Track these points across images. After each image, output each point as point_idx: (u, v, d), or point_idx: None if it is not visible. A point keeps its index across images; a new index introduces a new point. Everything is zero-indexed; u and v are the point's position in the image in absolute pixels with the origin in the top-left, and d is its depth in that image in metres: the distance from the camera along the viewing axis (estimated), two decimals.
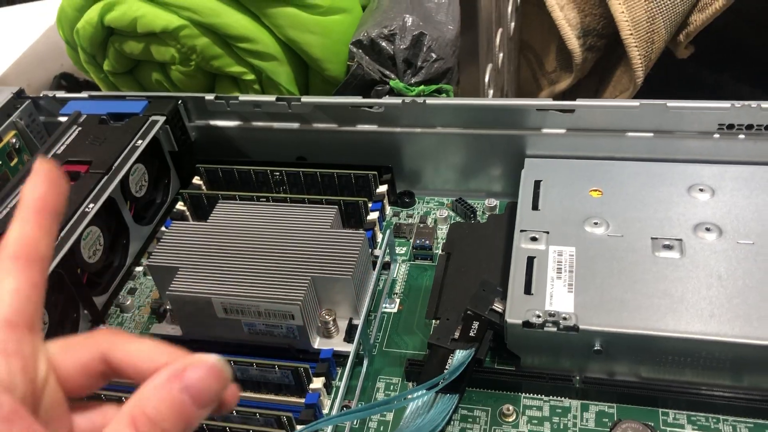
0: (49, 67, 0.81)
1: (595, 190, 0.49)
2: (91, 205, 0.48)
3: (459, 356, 0.41)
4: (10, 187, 0.50)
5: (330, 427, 0.40)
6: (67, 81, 0.82)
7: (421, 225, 0.55)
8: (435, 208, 0.56)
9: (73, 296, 0.48)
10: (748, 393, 0.40)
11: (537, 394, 0.43)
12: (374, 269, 0.49)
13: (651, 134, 0.51)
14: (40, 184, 0.26)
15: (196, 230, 0.49)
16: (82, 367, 0.26)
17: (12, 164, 0.57)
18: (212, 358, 0.24)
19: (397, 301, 0.50)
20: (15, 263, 0.25)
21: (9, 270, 0.25)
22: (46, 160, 0.26)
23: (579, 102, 0.50)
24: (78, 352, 0.26)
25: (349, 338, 0.45)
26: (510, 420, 0.42)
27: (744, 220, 0.46)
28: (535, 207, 0.49)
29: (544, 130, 0.52)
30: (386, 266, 0.51)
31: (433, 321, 0.48)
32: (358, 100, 0.54)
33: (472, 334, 0.43)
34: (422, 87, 0.60)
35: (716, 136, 0.49)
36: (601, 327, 0.41)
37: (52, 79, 0.81)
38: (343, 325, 0.46)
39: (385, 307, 0.49)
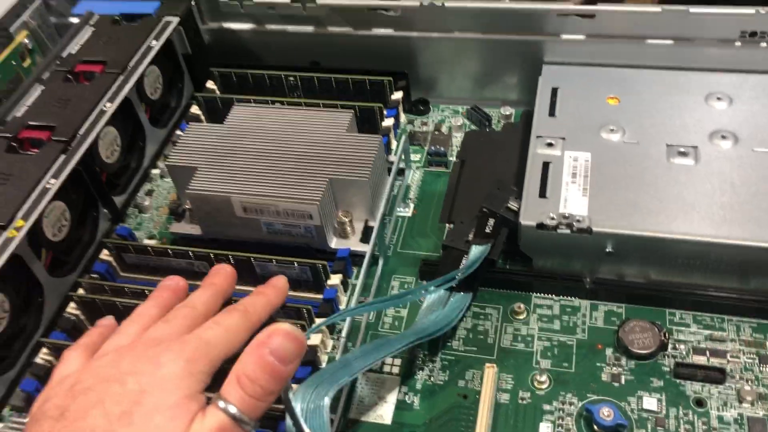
0: None
1: (613, 98, 0.49)
2: (108, 104, 0.48)
3: (475, 251, 0.42)
4: (26, 87, 0.50)
5: (347, 321, 0.41)
6: None
7: (436, 132, 0.55)
8: (450, 115, 0.56)
9: (92, 195, 0.49)
10: (754, 295, 0.41)
11: (548, 294, 0.44)
12: (389, 175, 0.49)
13: (671, 41, 0.50)
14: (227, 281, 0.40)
15: (213, 132, 0.49)
16: None
17: (25, 65, 0.57)
18: (286, 325, 0.32)
19: (412, 205, 0.51)
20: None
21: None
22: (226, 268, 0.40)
23: (600, 7, 0.50)
24: None
25: (364, 239, 0.46)
26: (521, 318, 0.43)
27: (760, 129, 0.46)
28: (551, 113, 0.49)
29: (564, 36, 0.52)
30: (401, 172, 0.52)
31: (447, 225, 0.48)
32: (374, 2, 0.53)
33: (487, 230, 0.44)
34: None
35: (738, 43, 0.49)
36: (614, 229, 0.41)
37: None
38: (359, 226, 0.47)
39: (400, 211, 0.50)
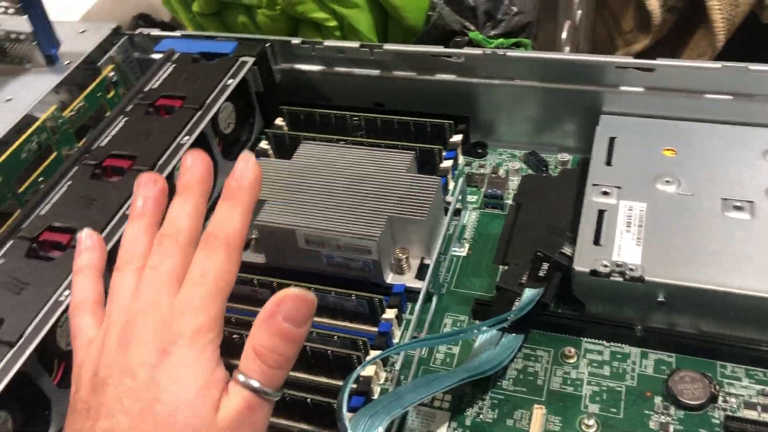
0: (128, 7, 0.84)
1: (669, 150, 0.50)
2: (186, 138, 0.51)
3: (528, 294, 0.44)
4: (111, 118, 0.54)
5: (401, 355, 0.43)
6: (144, 21, 0.86)
7: (493, 175, 0.56)
8: (507, 159, 0.58)
9: None
10: None
11: (598, 340, 0.45)
12: (446, 214, 0.51)
13: (730, 97, 0.51)
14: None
15: (282, 167, 0.52)
16: None
17: (109, 96, 0.61)
18: (294, 289, 0.32)
19: (467, 245, 0.52)
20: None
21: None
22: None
23: (659, 61, 0.51)
24: None
25: (420, 276, 0.48)
26: (571, 361, 0.44)
27: None
28: (608, 162, 0.50)
29: (622, 88, 0.53)
30: (457, 212, 0.54)
31: (501, 266, 0.50)
32: (439, 49, 0.56)
33: (541, 274, 0.45)
34: (501, 40, 0.62)
35: None
36: (666, 279, 0.42)
37: (131, 18, 0.85)
38: (414, 263, 0.49)
39: (455, 250, 0.52)
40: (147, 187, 0.37)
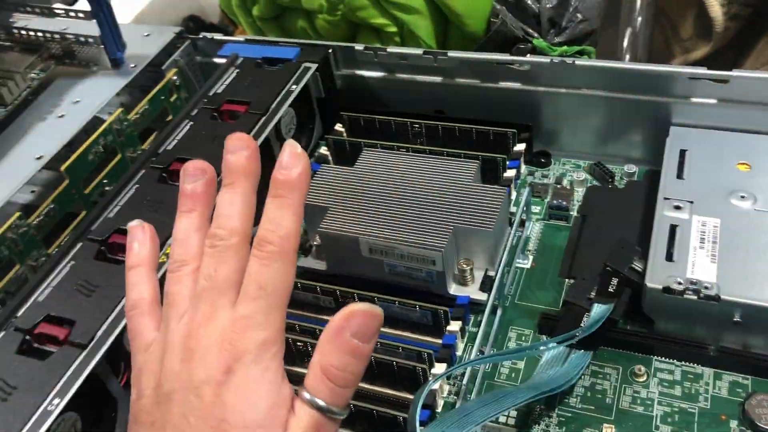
0: (178, 9, 0.85)
1: (743, 164, 0.49)
2: None
3: (598, 310, 0.43)
4: (176, 122, 0.54)
5: (468, 369, 0.42)
6: (194, 23, 0.86)
7: (558, 186, 0.55)
8: (571, 170, 0.57)
9: None
10: None
11: (669, 359, 0.44)
12: (510, 225, 0.50)
13: None
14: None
15: (345, 174, 0.52)
16: None
17: (171, 100, 0.62)
18: (360, 304, 0.31)
19: (531, 257, 0.51)
20: None
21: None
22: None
23: (735, 72, 0.49)
24: None
25: (483, 287, 0.47)
26: (641, 380, 0.43)
27: None
28: (679, 176, 0.49)
29: (693, 99, 0.52)
30: (521, 224, 0.53)
31: (567, 280, 0.49)
32: (505, 56, 0.55)
33: (610, 290, 0.44)
34: (565, 47, 0.61)
35: None
36: (744, 299, 0.41)
37: (181, 20, 0.85)
38: (478, 275, 0.48)
39: (519, 263, 0.51)
40: (195, 176, 0.36)
